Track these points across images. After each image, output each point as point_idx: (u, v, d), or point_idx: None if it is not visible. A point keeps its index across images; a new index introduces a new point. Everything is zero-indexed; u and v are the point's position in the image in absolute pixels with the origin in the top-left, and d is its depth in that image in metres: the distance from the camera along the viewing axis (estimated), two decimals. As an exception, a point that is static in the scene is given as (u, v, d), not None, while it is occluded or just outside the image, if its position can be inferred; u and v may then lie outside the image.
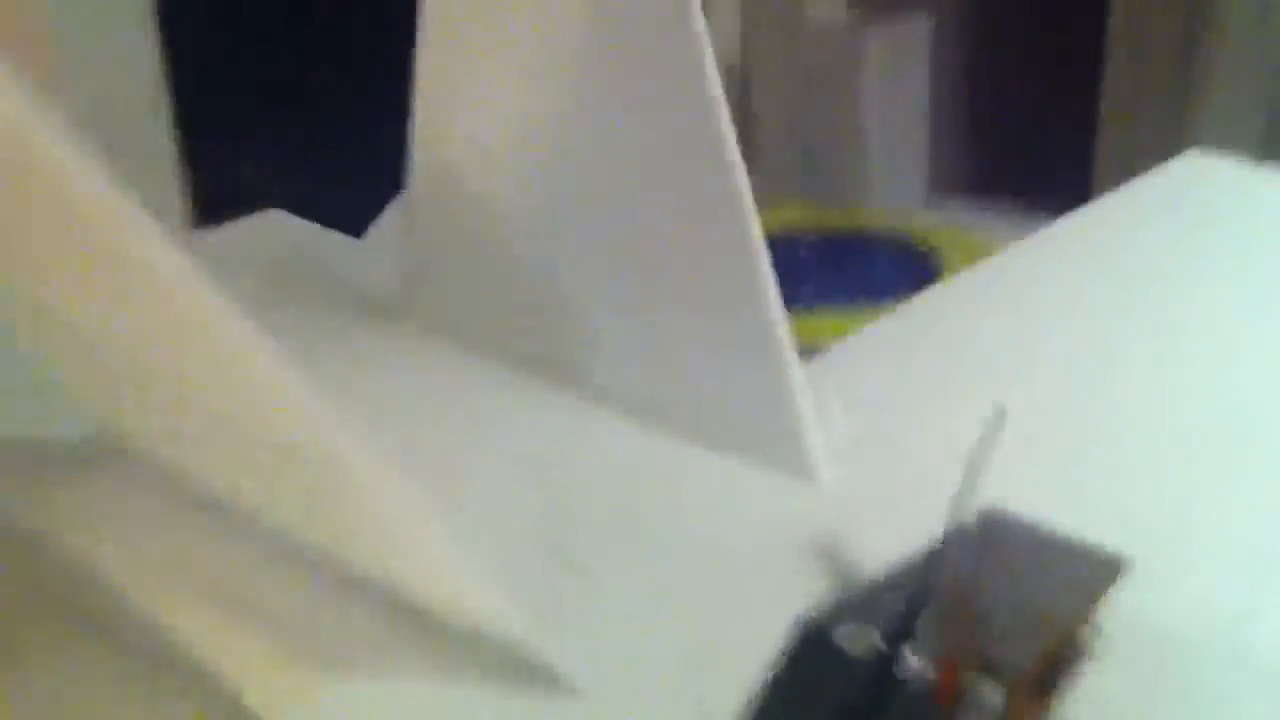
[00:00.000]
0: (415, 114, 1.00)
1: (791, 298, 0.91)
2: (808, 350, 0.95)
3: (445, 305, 1.01)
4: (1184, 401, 0.92)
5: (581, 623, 0.74)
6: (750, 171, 0.87)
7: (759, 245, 0.85)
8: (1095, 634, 0.67)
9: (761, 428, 0.85)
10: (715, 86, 0.81)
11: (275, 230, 1.23)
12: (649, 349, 0.90)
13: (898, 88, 2.34)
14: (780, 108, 2.36)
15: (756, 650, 0.66)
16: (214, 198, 1.46)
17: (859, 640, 0.64)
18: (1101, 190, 1.32)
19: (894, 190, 2.37)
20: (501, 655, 0.70)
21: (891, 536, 0.71)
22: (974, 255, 1.49)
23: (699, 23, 0.81)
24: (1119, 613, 0.68)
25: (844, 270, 2.20)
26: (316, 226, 1.25)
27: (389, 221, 1.16)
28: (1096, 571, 0.70)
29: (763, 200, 0.87)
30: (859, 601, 0.69)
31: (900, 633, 0.63)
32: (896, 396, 0.94)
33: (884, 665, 0.63)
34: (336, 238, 1.23)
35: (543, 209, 0.93)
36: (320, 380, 0.73)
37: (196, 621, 0.71)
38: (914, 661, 0.62)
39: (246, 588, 0.72)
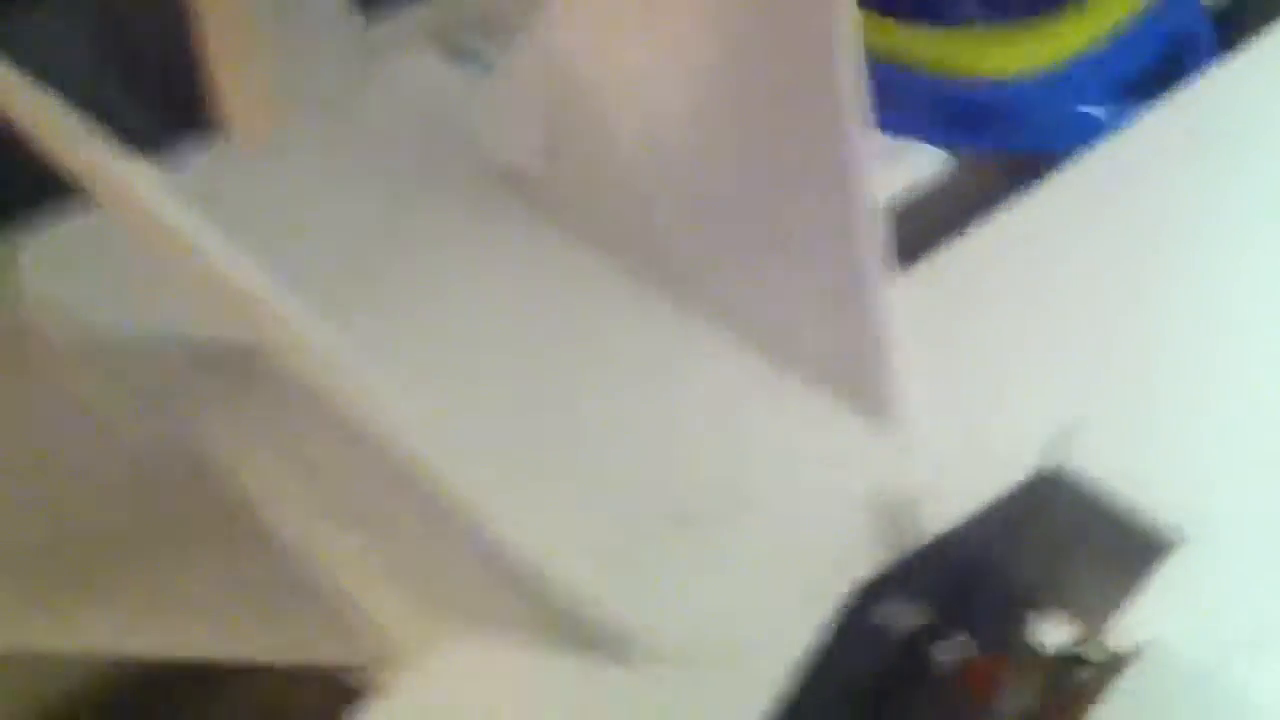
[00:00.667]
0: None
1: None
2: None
3: (566, 194, 1.02)
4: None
5: (691, 584, 0.76)
6: None
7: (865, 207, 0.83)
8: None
9: (851, 374, 0.85)
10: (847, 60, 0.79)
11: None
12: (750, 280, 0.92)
13: None
14: None
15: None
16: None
17: (900, 615, 0.66)
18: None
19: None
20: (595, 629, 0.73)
21: (969, 490, 0.71)
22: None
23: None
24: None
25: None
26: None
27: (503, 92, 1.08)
28: (1145, 550, 0.70)
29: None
30: (904, 574, 0.70)
31: (941, 614, 0.65)
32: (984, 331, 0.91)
33: (921, 645, 0.64)
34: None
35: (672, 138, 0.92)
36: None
37: (337, 550, 0.77)
38: (954, 644, 0.64)
39: (383, 522, 0.78)
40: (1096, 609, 0.68)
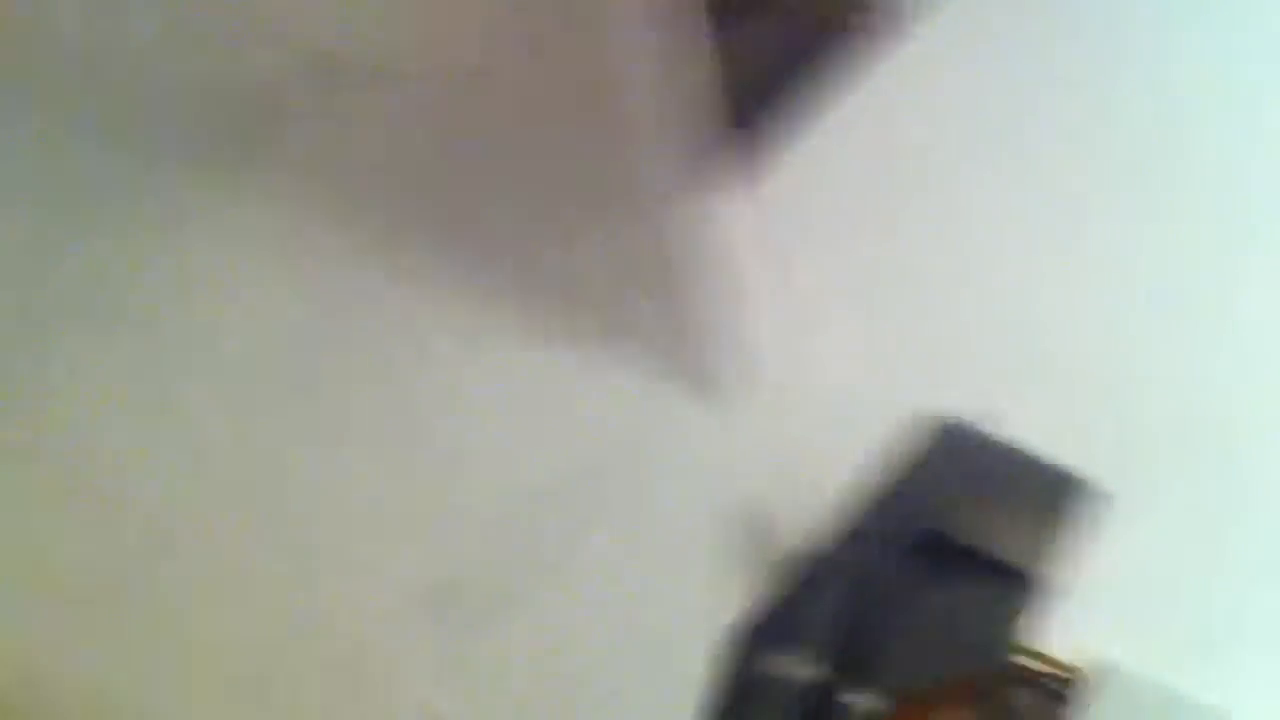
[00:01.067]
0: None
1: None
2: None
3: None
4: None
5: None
6: None
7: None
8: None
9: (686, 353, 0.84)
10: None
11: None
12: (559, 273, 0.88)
13: None
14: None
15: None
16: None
17: (797, 666, 0.60)
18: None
19: None
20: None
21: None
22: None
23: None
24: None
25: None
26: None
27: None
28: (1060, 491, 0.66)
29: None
30: (790, 607, 0.63)
31: (840, 660, 0.59)
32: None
33: (828, 696, 0.59)
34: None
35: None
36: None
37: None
38: (860, 702, 0.59)
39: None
40: (1027, 554, 0.64)
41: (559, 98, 0.88)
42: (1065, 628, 0.65)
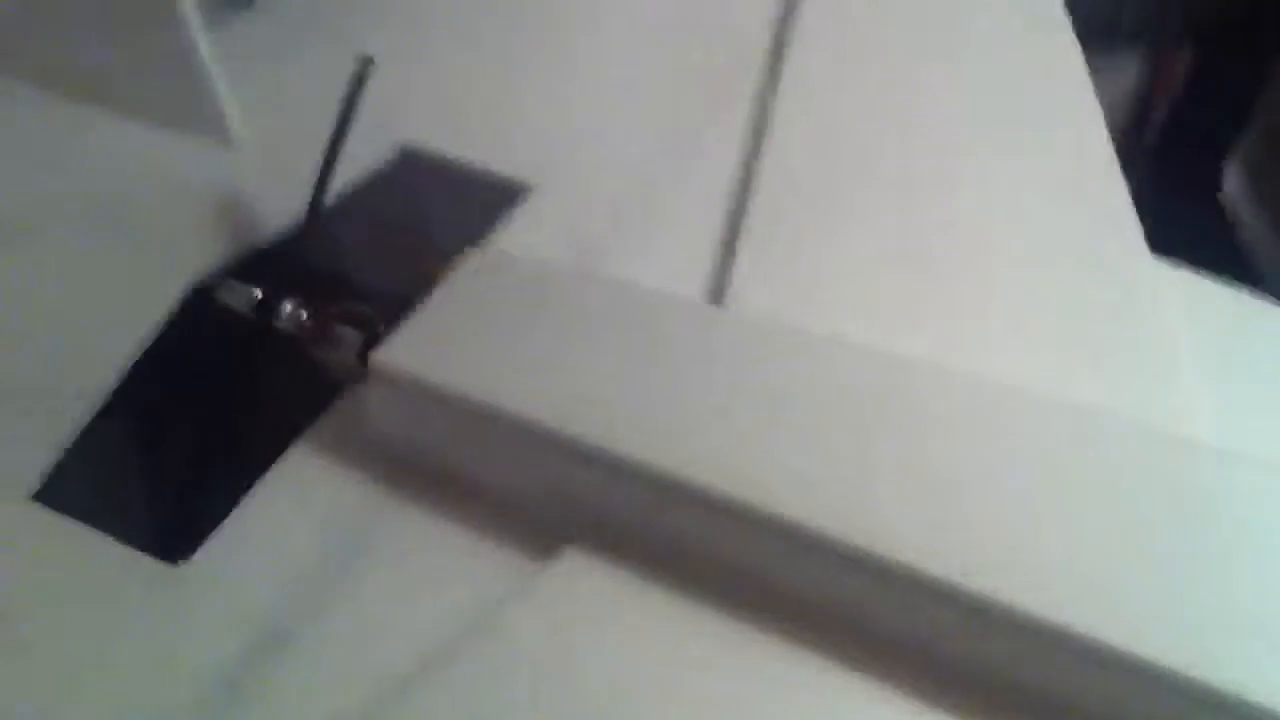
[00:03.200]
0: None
1: None
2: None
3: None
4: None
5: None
6: None
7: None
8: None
9: (170, 91, 0.85)
10: None
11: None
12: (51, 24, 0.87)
13: None
14: None
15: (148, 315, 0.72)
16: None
17: (240, 295, 0.71)
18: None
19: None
20: None
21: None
22: None
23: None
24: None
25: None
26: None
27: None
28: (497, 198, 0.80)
29: None
30: (248, 263, 0.76)
31: (279, 288, 0.70)
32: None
33: (263, 316, 0.70)
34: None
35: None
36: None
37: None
38: (289, 310, 0.69)
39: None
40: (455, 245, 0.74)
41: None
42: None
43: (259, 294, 0.72)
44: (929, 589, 0.55)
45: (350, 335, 0.70)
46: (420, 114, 0.85)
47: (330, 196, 0.75)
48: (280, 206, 0.77)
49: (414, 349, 0.66)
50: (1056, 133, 0.87)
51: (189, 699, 0.57)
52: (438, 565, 0.63)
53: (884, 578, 0.56)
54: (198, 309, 0.74)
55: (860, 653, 0.57)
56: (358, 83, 0.74)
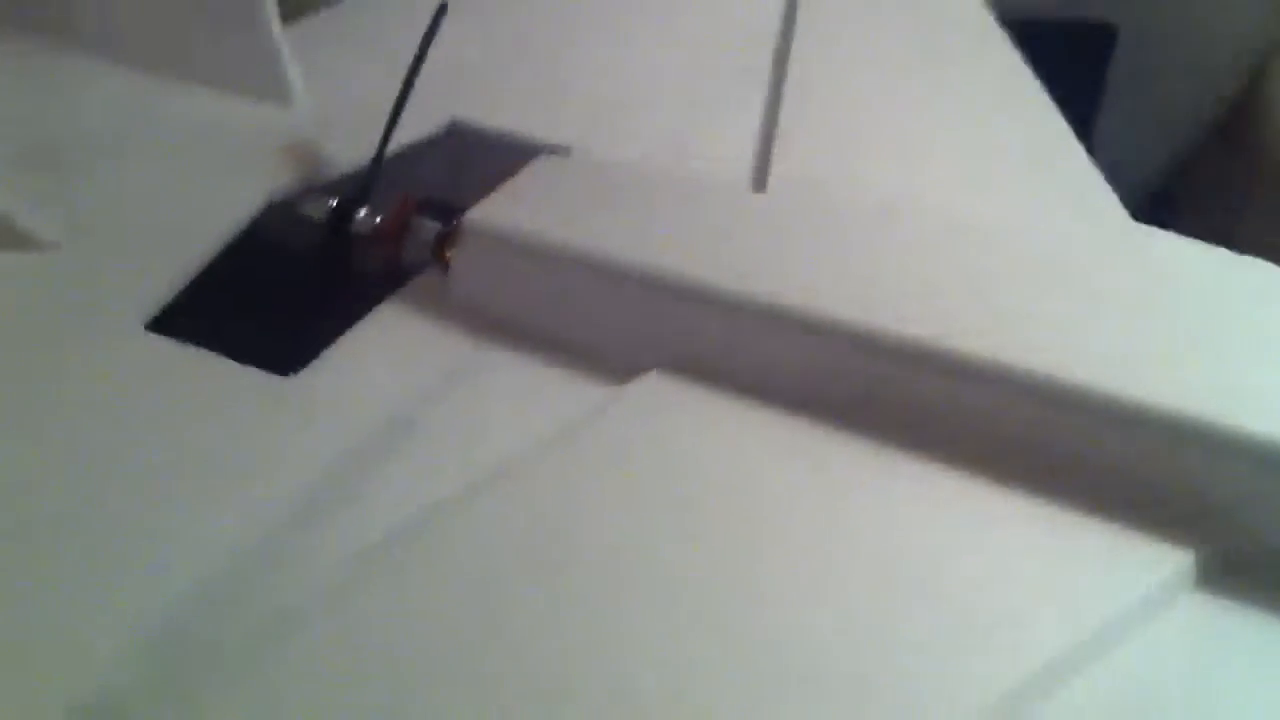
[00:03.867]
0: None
1: None
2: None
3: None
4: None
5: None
6: None
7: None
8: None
9: (238, 60, 0.92)
10: None
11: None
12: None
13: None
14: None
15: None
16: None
17: (317, 204, 0.78)
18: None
19: None
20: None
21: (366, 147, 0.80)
22: None
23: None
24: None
25: None
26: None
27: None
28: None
29: None
30: (324, 185, 0.82)
31: (355, 198, 0.77)
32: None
33: (340, 222, 0.77)
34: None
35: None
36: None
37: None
38: (364, 215, 0.77)
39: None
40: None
41: None
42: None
43: (334, 202, 0.79)
44: (997, 380, 0.62)
45: (427, 225, 0.77)
46: (468, 90, 0.93)
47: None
48: (341, 159, 0.85)
49: (501, 211, 0.73)
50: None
51: (301, 490, 0.61)
52: (522, 391, 0.68)
53: (937, 366, 0.63)
54: (275, 220, 0.81)
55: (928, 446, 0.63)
56: (433, 26, 0.82)
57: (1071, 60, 1.23)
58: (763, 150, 0.86)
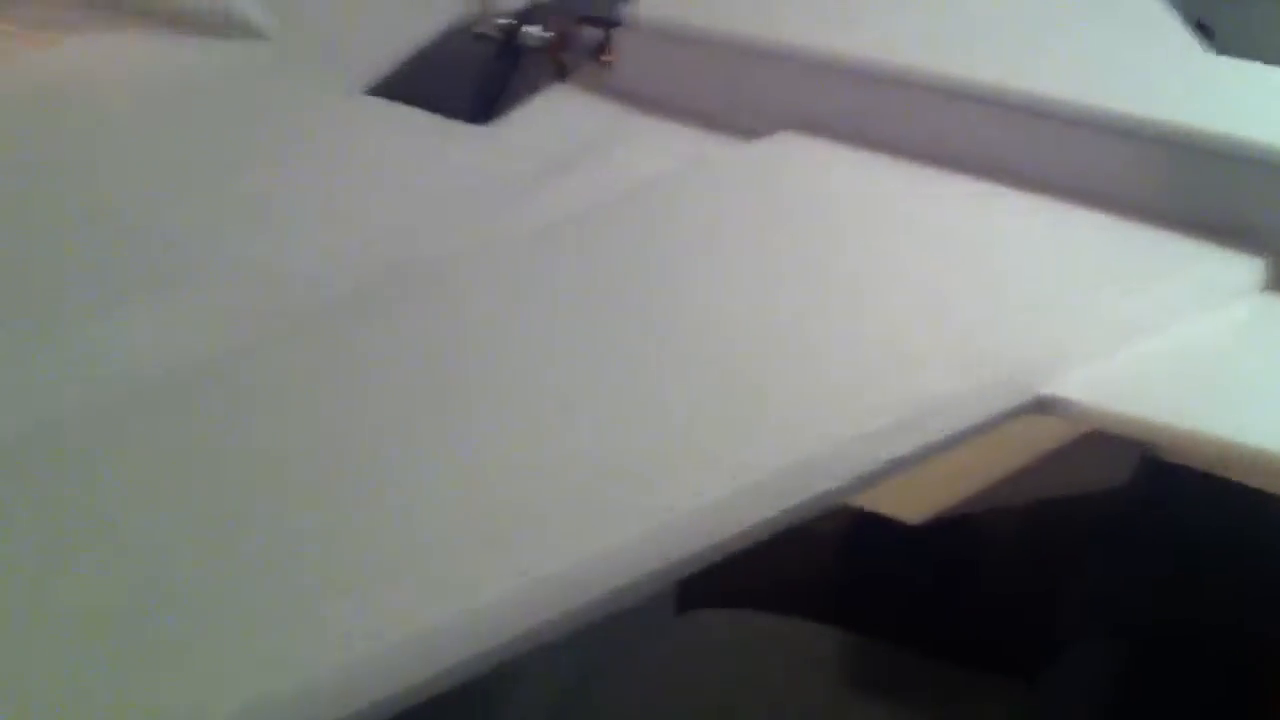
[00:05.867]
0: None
1: None
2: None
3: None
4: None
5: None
6: None
7: None
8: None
9: None
10: None
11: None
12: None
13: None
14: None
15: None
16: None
17: (490, 23, 0.91)
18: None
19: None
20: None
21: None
22: None
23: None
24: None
25: None
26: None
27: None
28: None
29: None
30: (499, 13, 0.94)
31: (524, 16, 0.91)
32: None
33: (511, 35, 0.90)
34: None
35: None
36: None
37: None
38: (533, 30, 0.90)
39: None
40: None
41: None
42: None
43: (507, 21, 0.93)
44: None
45: (590, 33, 0.90)
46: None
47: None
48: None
49: (655, 6, 0.88)
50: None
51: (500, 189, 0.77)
52: (670, 149, 0.82)
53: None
54: (454, 40, 0.94)
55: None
56: None
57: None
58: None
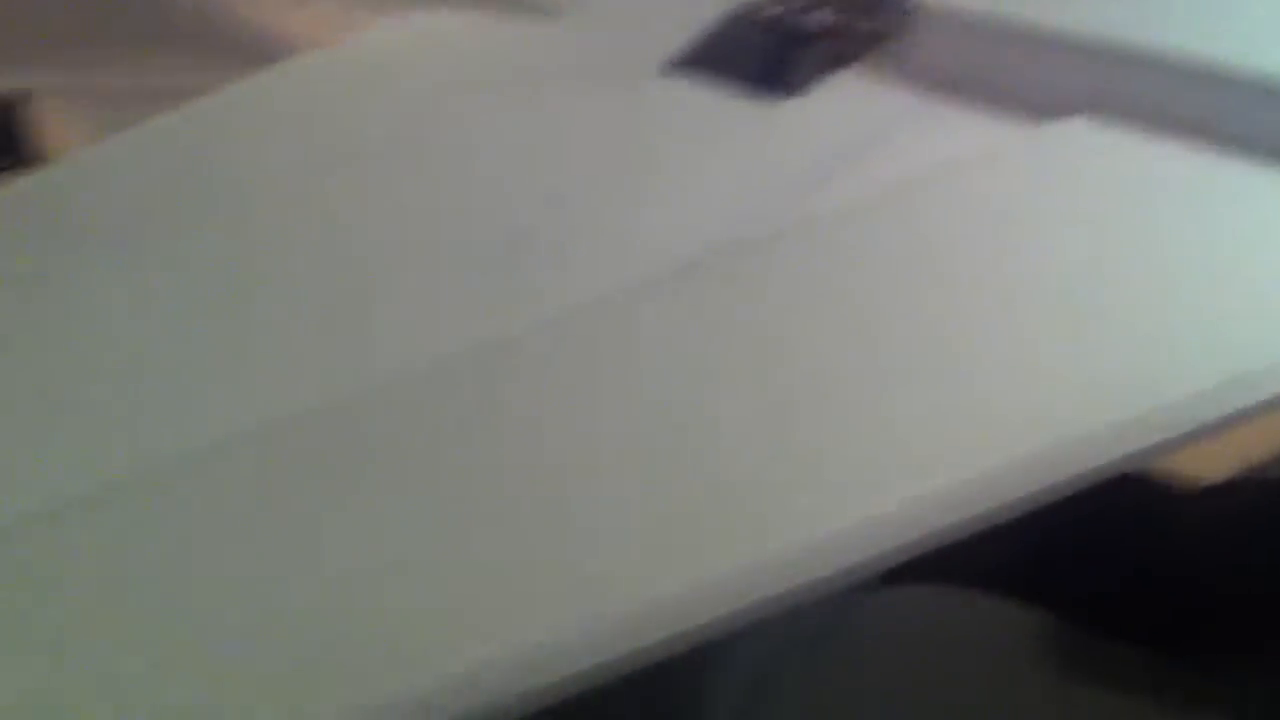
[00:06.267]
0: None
1: None
2: None
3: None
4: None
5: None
6: None
7: None
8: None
9: None
10: None
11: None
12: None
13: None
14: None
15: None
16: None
17: (776, 7, 0.93)
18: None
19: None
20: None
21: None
22: None
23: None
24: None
25: None
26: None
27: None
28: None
29: None
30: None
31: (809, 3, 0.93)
32: None
33: (796, 18, 0.92)
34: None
35: None
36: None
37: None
38: (818, 15, 0.91)
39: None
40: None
41: None
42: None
43: (788, 4, 0.95)
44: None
45: (876, 18, 0.92)
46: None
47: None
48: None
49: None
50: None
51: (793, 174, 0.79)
52: (964, 135, 0.84)
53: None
54: (734, 23, 0.96)
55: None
56: None
57: None
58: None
